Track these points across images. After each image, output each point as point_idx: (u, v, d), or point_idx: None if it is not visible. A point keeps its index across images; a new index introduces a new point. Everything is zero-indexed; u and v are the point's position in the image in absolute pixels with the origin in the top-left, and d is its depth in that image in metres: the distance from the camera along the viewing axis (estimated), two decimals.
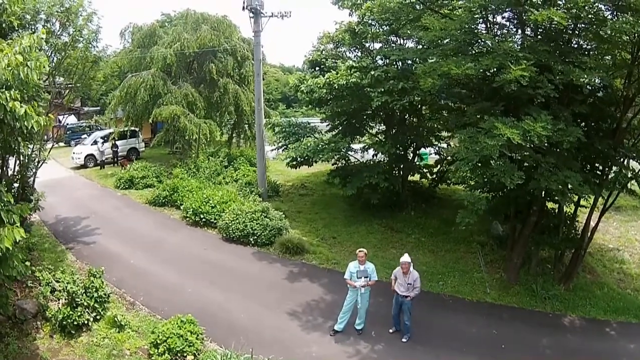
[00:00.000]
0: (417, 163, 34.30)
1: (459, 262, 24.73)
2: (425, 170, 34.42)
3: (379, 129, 34.14)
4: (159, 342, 16.33)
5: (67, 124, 56.85)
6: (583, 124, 20.01)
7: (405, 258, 17.53)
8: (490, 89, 20.12)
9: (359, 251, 17.87)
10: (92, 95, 54.80)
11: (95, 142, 46.95)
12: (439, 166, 34.57)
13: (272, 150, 40.78)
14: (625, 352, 18.06)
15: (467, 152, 17.77)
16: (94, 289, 18.66)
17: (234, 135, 49.71)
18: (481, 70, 18.68)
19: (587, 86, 19.21)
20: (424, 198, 32.99)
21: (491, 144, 16.50)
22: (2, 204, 12.78)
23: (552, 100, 18.40)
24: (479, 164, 18.25)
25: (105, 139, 47.28)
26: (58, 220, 28.62)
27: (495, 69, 18.60)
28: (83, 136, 52.93)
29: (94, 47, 27.44)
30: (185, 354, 16.10)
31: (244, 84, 47.35)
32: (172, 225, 29.77)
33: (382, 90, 26.01)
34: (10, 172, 21.98)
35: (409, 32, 27.07)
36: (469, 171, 19.13)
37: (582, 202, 23.06)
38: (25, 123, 12.94)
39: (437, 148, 34.28)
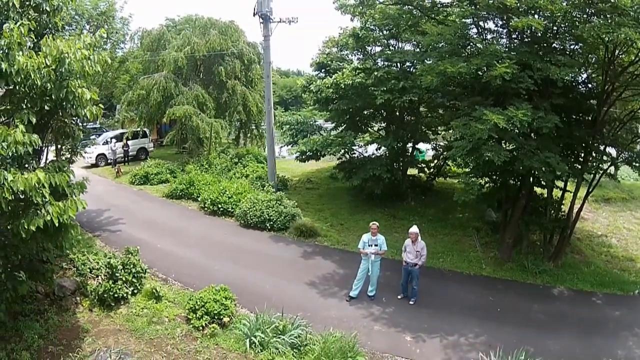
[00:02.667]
0: (416, 157, 36.36)
1: (456, 244, 27.09)
2: (423, 165, 36.66)
3: (380, 126, 36.42)
4: (197, 307, 18.41)
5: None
6: (563, 115, 22.44)
7: (413, 229, 20.27)
8: (480, 86, 22.94)
9: (372, 223, 20.56)
10: (115, 94, 55.93)
11: (106, 142, 49.01)
12: (435, 161, 36.93)
13: (281, 147, 43.20)
14: (610, 318, 20.17)
15: (462, 136, 20.81)
16: (132, 265, 20.47)
17: (240, 134, 51.58)
18: (472, 69, 21.29)
19: (564, 81, 21.11)
20: (422, 190, 35.27)
21: (481, 128, 19.37)
22: (66, 181, 14.11)
23: (533, 93, 21.40)
24: (472, 149, 21.02)
25: (116, 138, 49.18)
26: (80, 212, 29.47)
27: (484, 68, 21.23)
28: (92, 137, 54.67)
29: (122, 48, 29.42)
30: (221, 317, 18.24)
31: (251, 85, 49.31)
32: (191, 215, 31.90)
33: (385, 89, 28.40)
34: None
35: (407, 36, 29.56)
36: (464, 155, 22.19)
37: (569, 188, 25.48)
38: (82, 110, 15.19)
39: (433, 144, 36.85)
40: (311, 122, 36.79)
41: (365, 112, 34.68)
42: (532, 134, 21.45)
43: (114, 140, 48.66)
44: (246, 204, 29.83)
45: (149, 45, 47.99)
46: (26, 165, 14.47)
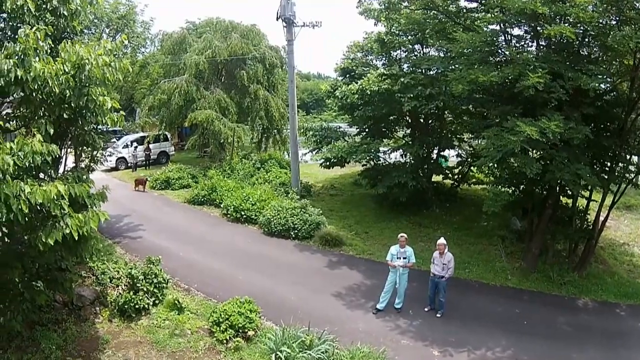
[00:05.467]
0: (440, 164, 36.34)
1: (482, 253, 27.08)
2: (447, 171, 36.61)
3: (405, 133, 36.43)
4: (220, 320, 18.41)
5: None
6: (592, 124, 22.35)
7: (441, 240, 20.44)
8: (509, 94, 22.91)
9: (401, 236, 20.59)
10: (135, 97, 56.21)
11: (126, 146, 49.24)
12: (460, 167, 36.84)
13: (306, 153, 43.15)
14: (634, 330, 20.27)
15: (493, 147, 20.55)
16: (153, 275, 20.55)
17: (263, 139, 51.44)
18: (504, 78, 21.32)
19: (595, 90, 21.45)
20: (446, 197, 35.33)
21: (514, 140, 19.23)
22: (86, 191, 13.66)
23: (563, 103, 21.25)
24: (502, 160, 21.07)
25: (137, 142, 49.53)
26: None
27: (515, 77, 20.99)
28: (112, 140, 54.83)
29: (142, 52, 29.49)
30: (246, 330, 18.29)
31: (273, 90, 49.55)
32: (213, 222, 32.08)
33: (412, 96, 28.53)
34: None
35: (433, 41, 29.55)
36: (494, 165, 22.34)
37: (593, 197, 25.49)
38: (102, 118, 14.88)
39: (458, 150, 36.67)
40: (335, 129, 36.84)
41: (390, 118, 34.74)
42: (561, 144, 21.22)
43: (134, 144, 49.05)
44: (270, 212, 29.93)
45: (170, 49, 48.33)
46: (44, 176, 14.23)
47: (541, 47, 23.88)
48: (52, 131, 13.27)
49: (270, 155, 46.39)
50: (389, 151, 35.29)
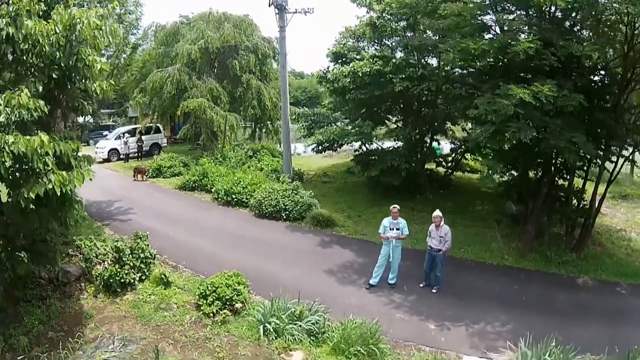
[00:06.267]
0: (434, 150, 35.61)
1: (477, 235, 25.88)
2: (440, 159, 35.72)
3: (398, 118, 35.32)
4: (207, 293, 17.30)
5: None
6: (587, 98, 20.99)
7: (437, 212, 19.23)
8: (502, 69, 22.31)
9: (393, 207, 19.50)
10: (126, 88, 55.19)
11: (118, 137, 48.22)
12: (453, 154, 35.84)
13: (299, 138, 41.97)
14: (636, 308, 19.09)
15: (486, 113, 19.74)
16: (140, 250, 19.54)
17: (256, 129, 50.66)
18: (495, 45, 20.52)
19: (587, 57, 21.01)
20: (440, 184, 34.13)
21: (506, 103, 18.63)
22: (72, 149, 13.38)
23: (556, 71, 20.31)
24: (495, 131, 20.28)
25: (129, 133, 48.43)
26: (90, 203, 28.26)
27: (506, 44, 20.10)
28: (104, 133, 54.01)
29: (135, 33, 28.64)
30: (233, 303, 17.13)
31: (266, 80, 48.78)
32: (204, 206, 31.04)
33: (403, 76, 27.66)
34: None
35: (426, 25, 28.36)
36: (488, 138, 20.92)
37: (588, 188, 24.89)
38: (91, 84, 14.51)
39: (451, 139, 35.76)
40: (327, 114, 35.59)
41: (383, 106, 33.75)
42: (555, 111, 20.33)
43: (126, 135, 47.93)
44: (261, 194, 29.00)
45: (163, 40, 47.54)
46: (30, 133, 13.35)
47: (532, 16, 22.81)
48: (40, 88, 13.19)
49: (263, 145, 45.37)
50: (382, 138, 34.10)
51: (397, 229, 19.09)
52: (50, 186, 12.25)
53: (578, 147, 19.88)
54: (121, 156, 47.32)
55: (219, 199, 31.17)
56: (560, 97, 18.96)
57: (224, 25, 45.26)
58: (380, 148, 33.69)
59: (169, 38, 47.37)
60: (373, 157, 32.52)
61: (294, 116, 36.58)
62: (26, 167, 12.84)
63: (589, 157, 22.10)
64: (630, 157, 24.44)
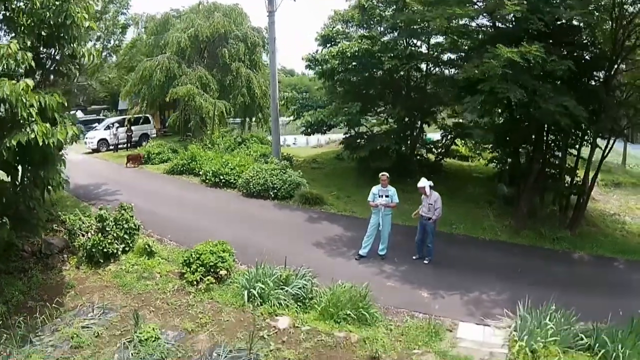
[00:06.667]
0: (425, 139, 35.07)
1: (468, 216, 25.10)
2: (431, 146, 35.08)
3: (387, 101, 34.25)
4: (191, 260, 16.48)
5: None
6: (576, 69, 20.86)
7: (421, 183, 18.76)
8: (489, 40, 21.22)
9: (382, 174, 18.93)
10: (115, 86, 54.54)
11: (108, 127, 47.34)
12: (443, 140, 35.18)
13: (288, 122, 41.49)
14: (636, 281, 18.30)
15: (475, 73, 19.43)
16: (124, 221, 18.81)
17: (245, 118, 50.20)
18: (481, 7, 20.55)
19: (577, 34, 21.22)
20: (431, 170, 33.11)
21: (495, 64, 18.23)
22: (56, 102, 13.18)
23: (545, 39, 19.60)
24: (484, 101, 20.13)
25: (119, 123, 47.62)
26: (77, 186, 27.68)
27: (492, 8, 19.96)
28: (94, 125, 53.25)
29: (124, 13, 28.14)
30: (218, 269, 16.27)
31: (255, 69, 48.07)
32: (192, 188, 30.27)
33: (392, 55, 27.20)
34: None
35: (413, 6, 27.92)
36: (477, 109, 21.19)
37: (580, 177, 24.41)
38: (79, 46, 14.92)
39: (440, 124, 34.74)
40: (316, 97, 34.92)
41: (372, 90, 32.88)
42: (545, 77, 20.05)
43: (116, 125, 47.07)
44: (249, 172, 28.28)
45: (153, 30, 46.88)
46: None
47: None
48: (29, 43, 13.34)
49: (252, 134, 44.53)
50: (372, 127, 33.65)
51: (387, 196, 18.38)
52: (32, 136, 12.26)
53: (569, 110, 19.29)
54: (110, 146, 46.31)
55: (207, 181, 30.39)
56: (549, 61, 18.59)
57: (213, 15, 44.83)
58: (369, 131, 33.11)
59: (159, 28, 46.78)
60: (362, 140, 32.01)
61: (282, 101, 35.82)
62: (10, 115, 12.56)
63: (582, 125, 21.85)
64: (626, 132, 23.76)
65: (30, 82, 12.06)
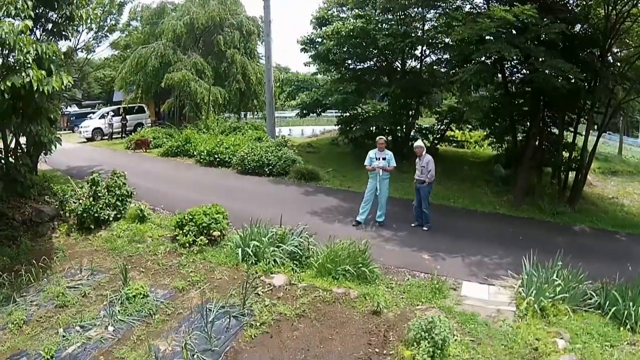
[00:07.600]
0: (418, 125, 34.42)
1: (466, 192, 24.46)
2: (426, 131, 34.33)
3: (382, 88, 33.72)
4: (184, 222, 15.67)
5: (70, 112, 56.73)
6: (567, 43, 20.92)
7: (418, 143, 18.59)
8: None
9: (379, 138, 18.14)
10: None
11: (102, 116, 46.80)
12: (439, 125, 34.54)
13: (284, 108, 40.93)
14: (638, 252, 17.26)
15: (469, 33, 19.43)
16: (117, 187, 18.15)
17: (240, 107, 49.66)
18: None
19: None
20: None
21: (489, 23, 18.43)
22: (52, 51, 12.86)
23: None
24: (478, 71, 20.47)
25: (114, 112, 47.10)
26: (70, 168, 27.89)
27: None
28: (89, 116, 52.71)
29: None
30: (211, 230, 15.49)
31: (250, 56, 47.80)
32: (186, 167, 29.82)
33: (386, 33, 26.50)
34: None
35: None
36: (472, 76, 20.76)
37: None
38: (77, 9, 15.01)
39: (435, 109, 34.23)
40: (311, 80, 34.26)
41: (366, 76, 32.31)
42: (540, 42, 19.99)
43: (110, 114, 46.55)
44: (244, 150, 27.73)
45: (149, 19, 46.37)
46: None
47: None
48: (30, 3, 12.93)
49: (247, 122, 44.06)
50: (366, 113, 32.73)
51: (384, 159, 17.66)
52: (27, 80, 11.94)
53: (565, 72, 18.92)
54: (105, 135, 45.76)
55: (202, 160, 29.91)
56: (544, 25, 18.73)
57: (209, 3, 44.42)
58: (364, 113, 32.09)
59: (154, 17, 46.34)
60: (357, 123, 31.60)
61: (278, 82, 35.17)
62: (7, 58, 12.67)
63: (579, 99, 21.64)
64: (622, 105, 23.17)
65: (29, 22, 11.90)
